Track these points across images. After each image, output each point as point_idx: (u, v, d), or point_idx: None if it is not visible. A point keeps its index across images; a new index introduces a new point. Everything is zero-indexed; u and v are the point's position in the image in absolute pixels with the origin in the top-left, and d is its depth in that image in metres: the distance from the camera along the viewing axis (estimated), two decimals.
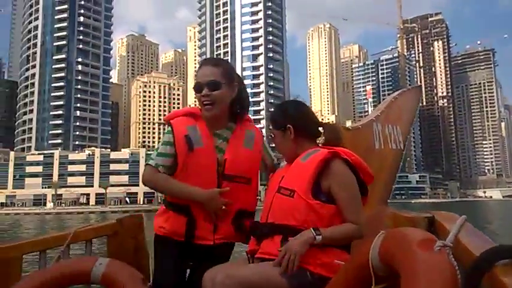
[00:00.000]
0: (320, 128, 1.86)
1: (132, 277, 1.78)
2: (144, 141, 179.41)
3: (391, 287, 1.15)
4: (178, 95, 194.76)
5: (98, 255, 2.11)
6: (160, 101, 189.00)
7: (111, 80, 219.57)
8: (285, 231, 1.64)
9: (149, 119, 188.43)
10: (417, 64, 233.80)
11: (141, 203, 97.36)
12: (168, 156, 1.82)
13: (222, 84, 1.79)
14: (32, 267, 2.33)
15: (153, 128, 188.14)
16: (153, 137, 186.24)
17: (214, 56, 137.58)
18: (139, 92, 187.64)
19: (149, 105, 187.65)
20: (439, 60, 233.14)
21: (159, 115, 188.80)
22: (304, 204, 1.63)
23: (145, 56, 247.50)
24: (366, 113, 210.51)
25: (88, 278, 1.79)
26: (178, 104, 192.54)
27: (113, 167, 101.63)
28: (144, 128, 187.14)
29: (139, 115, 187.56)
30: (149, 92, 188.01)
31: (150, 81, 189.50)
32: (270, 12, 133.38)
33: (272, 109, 1.63)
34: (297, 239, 1.57)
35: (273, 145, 1.93)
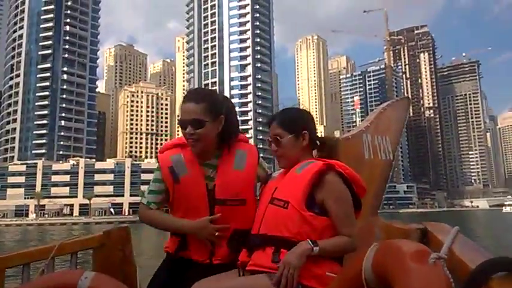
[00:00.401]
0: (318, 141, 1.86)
1: None
2: (131, 151, 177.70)
3: None
4: (167, 105, 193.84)
5: (84, 268, 2.03)
6: (148, 111, 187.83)
7: (98, 90, 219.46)
8: (278, 242, 1.62)
9: (137, 129, 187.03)
10: (404, 75, 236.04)
11: (126, 213, 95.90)
12: (158, 193, 1.84)
13: (205, 122, 1.74)
14: (15, 281, 2.24)
15: (141, 138, 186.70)
16: (141, 147, 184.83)
17: (202, 66, 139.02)
18: (127, 102, 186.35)
19: (137, 115, 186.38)
20: (425, 71, 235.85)
21: (147, 125, 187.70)
22: (298, 216, 1.61)
23: (133, 66, 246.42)
24: (354, 124, 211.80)
25: None
26: (166, 114, 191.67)
27: (98, 177, 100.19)
28: (131, 138, 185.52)
29: (127, 125, 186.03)
30: (137, 102, 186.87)
31: (138, 91, 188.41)
32: (257, 23, 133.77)
33: (282, 114, 1.85)
34: (294, 252, 1.54)
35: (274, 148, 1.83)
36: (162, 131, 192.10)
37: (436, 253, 1.00)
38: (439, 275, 0.95)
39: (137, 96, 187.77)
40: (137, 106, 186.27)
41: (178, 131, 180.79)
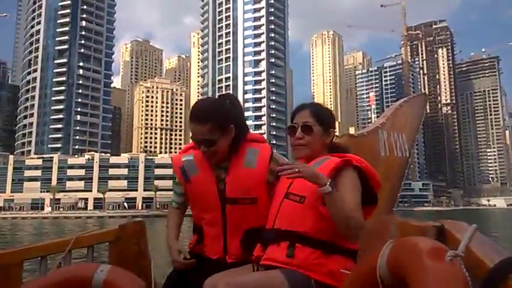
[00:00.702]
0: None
1: (134, 284, 1.77)
2: (146, 146, 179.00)
3: None
4: (181, 100, 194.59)
5: (100, 261, 2.08)
6: (163, 106, 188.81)
7: (113, 85, 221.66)
8: (293, 237, 1.62)
9: (151, 124, 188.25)
10: (421, 71, 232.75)
11: (140, 208, 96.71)
12: (179, 195, 1.97)
13: (215, 140, 1.77)
14: (33, 273, 2.29)
15: (155, 134, 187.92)
16: (155, 142, 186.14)
17: (216, 61, 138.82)
18: (142, 97, 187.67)
19: (152, 111, 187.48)
20: (443, 67, 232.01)
21: (162, 120, 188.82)
22: (314, 211, 1.61)
23: (149, 61, 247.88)
24: (369, 120, 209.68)
25: (89, 285, 1.76)
26: (181, 109, 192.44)
27: (112, 171, 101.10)
28: (146, 133, 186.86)
29: (142, 120, 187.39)
30: (152, 97, 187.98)
31: (153, 87, 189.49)
32: (272, 18, 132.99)
33: (315, 105, 1.85)
34: (314, 169, 1.56)
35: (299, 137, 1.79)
36: (176, 126, 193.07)
37: (453, 251, 1.00)
38: (456, 272, 0.95)
39: (152, 91, 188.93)
40: (152, 101, 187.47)
41: None
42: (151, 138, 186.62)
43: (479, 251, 1.07)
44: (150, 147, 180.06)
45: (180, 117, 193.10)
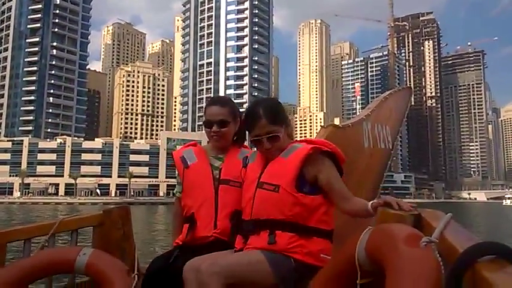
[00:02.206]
0: None
1: (116, 267, 1.81)
2: (126, 132, 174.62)
3: (376, 282, 1.17)
4: (163, 86, 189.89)
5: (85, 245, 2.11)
6: (144, 91, 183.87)
7: (94, 69, 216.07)
8: (272, 225, 1.70)
9: (132, 109, 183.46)
10: (407, 63, 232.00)
11: (113, 195, 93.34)
12: (180, 184, 2.15)
13: (229, 122, 2.08)
14: (16, 255, 2.31)
15: (136, 119, 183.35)
16: (136, 128, 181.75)
17: (198, 45, 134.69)
18: (123, 82, 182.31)
19: (132, 95, 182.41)
20: (429, 60, 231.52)
21: (143, 106, 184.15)
22: (290, 198, 1.70)
23: (131, 45, 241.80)
24: (354, 111, 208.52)
25: (72, 268, 1.80)
26: (163, 95, 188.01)
27: (85, 156, 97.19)
28: (126, 118, 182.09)
29: (122, 105, 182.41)
30: (133, 81, 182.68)
31: (134, 71, 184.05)
32: (256, 2, 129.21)
33: (262, 105, 1.86)
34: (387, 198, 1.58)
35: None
36: (158, 112, 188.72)
37: (427, 237, 1.06)
38: (429, 257, 1.00)
39: (133, 76, 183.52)
40: (133, 86, 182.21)
41: (175, 112, 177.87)
42: (131, 123, 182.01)
43: (453, 237, 1.12)
44: (131, 133, 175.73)
45: (162, 103, 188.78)
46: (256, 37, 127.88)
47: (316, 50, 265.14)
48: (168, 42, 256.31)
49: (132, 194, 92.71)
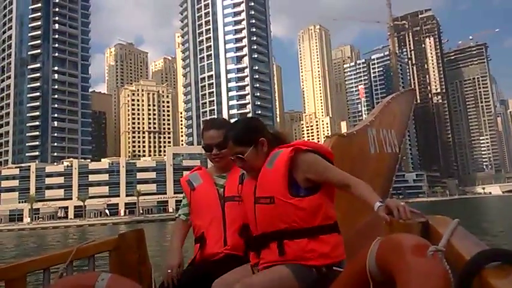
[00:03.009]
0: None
1: None
2: (134, 151, 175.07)
3: None
4: (168, 102, 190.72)
5: (101, 270, 2.11)
6: (149, 109, 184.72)
7: (99, 90, 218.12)
8: (278, 236, 1.73)
9: (139, 128, 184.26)
10: (409, 62, 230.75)
11: (122, 214, 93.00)
12: (186, 205, 2.27)
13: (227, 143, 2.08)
14: (36, 286, 2.37)
15: (143, 137, 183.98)
16: (143, 146, 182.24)
17: (198, 59, 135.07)
18: (128, 101, 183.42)
19: (138, 114, 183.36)
20: (432, 56, 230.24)
21: (149, 123, 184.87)
22: (287, 206, 1.72)
23: (134, 64, 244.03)
24: (359, 113, 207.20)
25: None
26: (168, 111, 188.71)
27: (92, 178, 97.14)
28: (134, 137, 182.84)
29: (129, 124, 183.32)
30: (138, 100, 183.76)
31: (138, 90, 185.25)
32: (253, 12, 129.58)
33: (232, 128, 1.97)
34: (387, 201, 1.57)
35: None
36: (164, 128, 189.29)
37: (434, 246, 1.05)
38: (437, 266, 0.99)
39: (138, 94, 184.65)
40: (138, 105, 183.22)
41: (181, 128, 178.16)
42: (139, 142, 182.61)
43: (460, 244, 1.11)
44: (139, 151, 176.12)
45: (168, 119, 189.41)
46: (255, 46, 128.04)
47: (317, 55, 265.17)
48: (170, 59, 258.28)
49: (141, 212, 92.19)
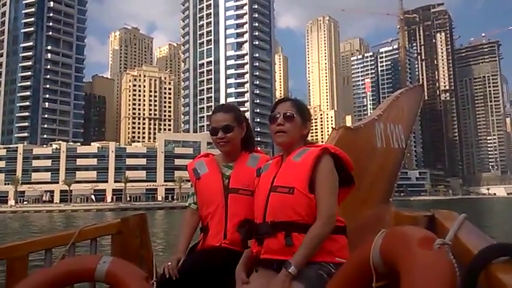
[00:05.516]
0: None
1: (135, 275, 1.83)
2: (133, 137, 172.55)
3: (391, 285, 1.16)
4: (170, 89, 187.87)
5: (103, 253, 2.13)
6: (151, 95, 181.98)
7: (102, 75, 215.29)
8: (288, 227, 1.72)
9: (139, 113, 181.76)
10: (419, 56, 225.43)
11: (109, 200, 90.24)
12: (194, 194, 2.23)
13: (233, 127, 2.13)
14: (38, 266, 2.37)
15: (144, 123, 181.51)
16: (143, 132, 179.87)
17: (198, 44, 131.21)
18: (129, 86, 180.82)
19: (139, 100, 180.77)
20: (442, 52, 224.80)
21: (150, 109, 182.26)
22: (304, 199, 1.72)
23: (138, 50, 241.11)
24: (365, 108, 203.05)
25: (92, 276, 1.83)
26: (169, 98, 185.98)
27: (80, 162, 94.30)
28: (134, 123, 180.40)
29: (129, 110, 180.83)
30: (139, 86, 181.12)
31: (140, 75, 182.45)
32: None
33: (296, 99, 1.98)
34: (276, 285, 1.59)
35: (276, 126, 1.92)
36: (165, 115, 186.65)
37: (441, 239, 1.05)
38: (443, 260, 0.99)
39: (139, 80, 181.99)
40: (140, 90, 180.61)
41: (182, 115, 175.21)
42: (139, 128, 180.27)
43: (467, 239, 1.11)
44: (138, 137, 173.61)
45: (169, 106, 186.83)
46: (257, 33, 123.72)
47: (325, 47, 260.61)
48: (176, 45, 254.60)
49: (129, 199, 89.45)
